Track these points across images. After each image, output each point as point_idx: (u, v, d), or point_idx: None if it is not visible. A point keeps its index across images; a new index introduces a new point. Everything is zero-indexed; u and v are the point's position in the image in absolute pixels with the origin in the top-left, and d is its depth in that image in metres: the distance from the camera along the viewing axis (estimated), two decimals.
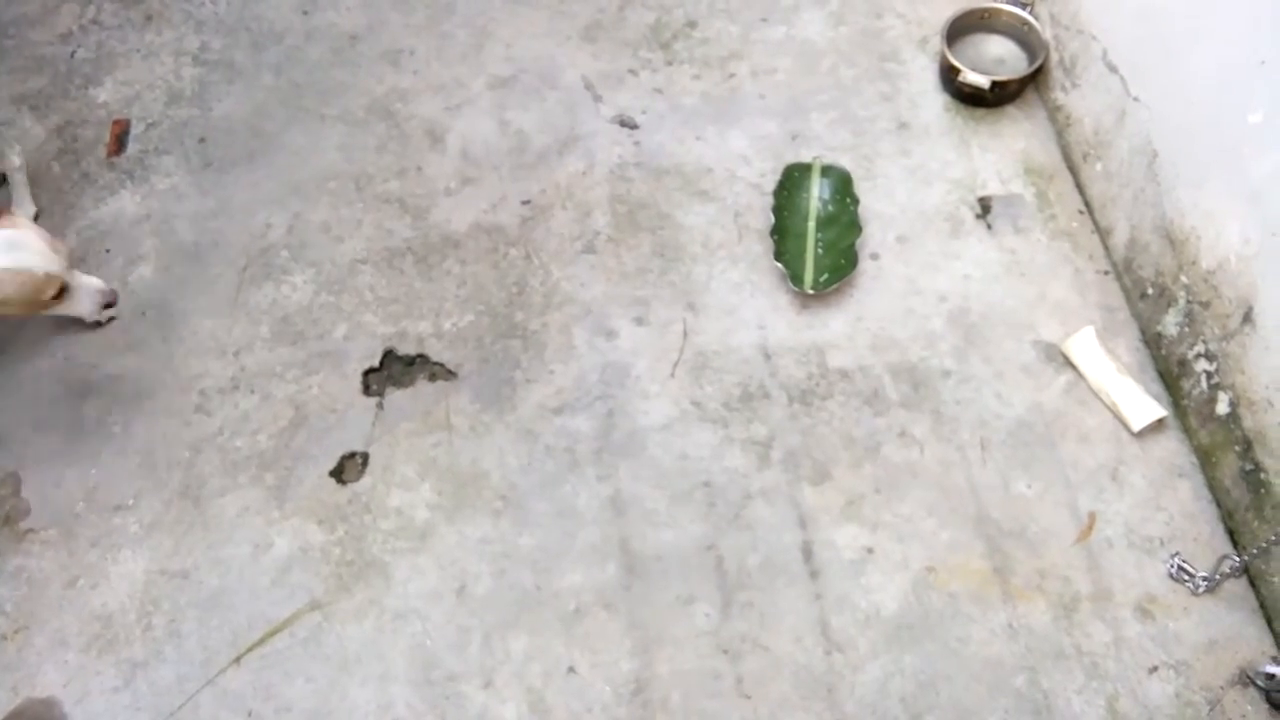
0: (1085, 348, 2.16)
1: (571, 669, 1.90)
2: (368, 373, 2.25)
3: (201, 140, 2.63)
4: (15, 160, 2.44)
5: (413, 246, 2.43)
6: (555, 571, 2.00)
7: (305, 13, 2.87)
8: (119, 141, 2.63)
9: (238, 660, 1.93)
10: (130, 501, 2.11)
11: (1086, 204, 2.41)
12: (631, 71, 2.70)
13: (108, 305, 2.19)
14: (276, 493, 2.11)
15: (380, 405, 2.21)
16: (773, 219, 2.38)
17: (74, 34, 2.86)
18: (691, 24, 2.79)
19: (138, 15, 2.89)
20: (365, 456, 2.15)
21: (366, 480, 2.12)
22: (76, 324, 2.32)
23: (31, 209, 2.47)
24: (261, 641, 1.94)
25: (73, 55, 2.81)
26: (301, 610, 1.98)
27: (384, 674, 1.90)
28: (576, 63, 2.73)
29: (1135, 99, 2.17)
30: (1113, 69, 2.24)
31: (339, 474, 2.13)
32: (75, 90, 2.73)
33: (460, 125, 2.63)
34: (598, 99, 2.66)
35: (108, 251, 2.45)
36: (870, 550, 2.00)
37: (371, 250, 2.43)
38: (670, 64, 2.72)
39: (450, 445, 2.15)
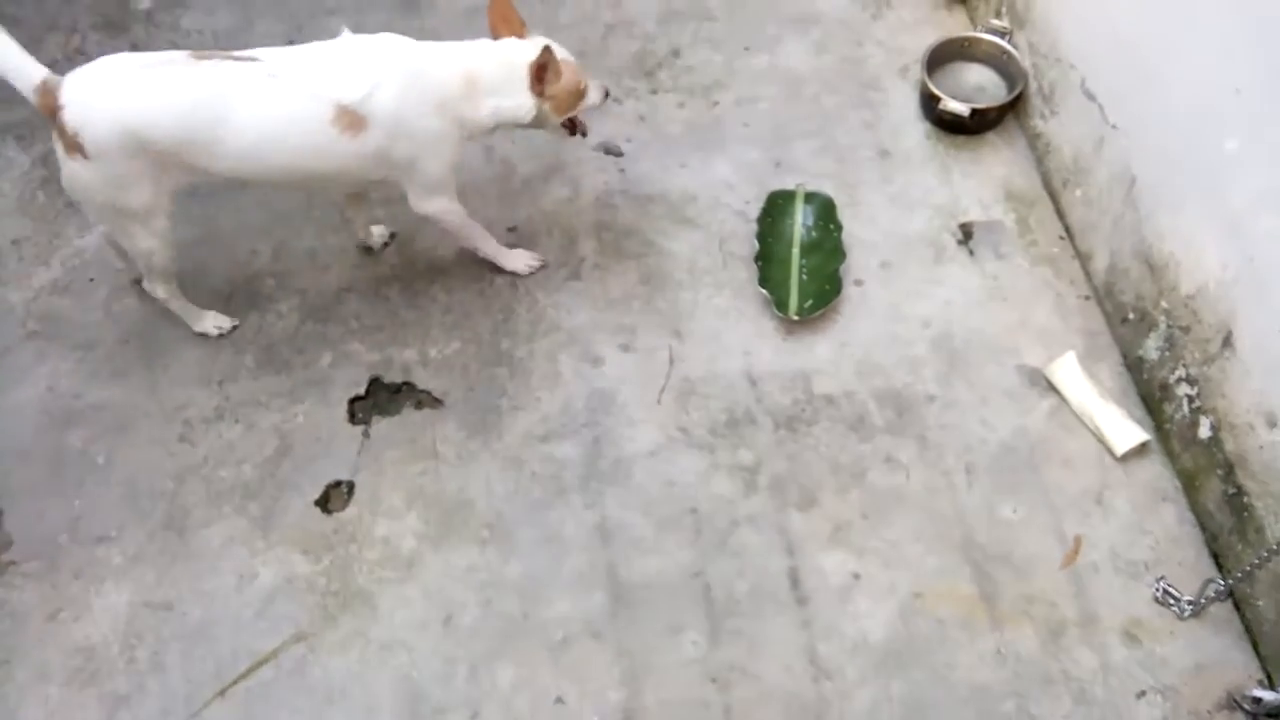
0: (1068, 372, 2.18)
1: (559, 699, 1.88)
2: (354, 401, 2.25)
3: None
4: None
5: (399, 274, 2.43)
6: (542, 600, 1.99)
7: (291, 41, 2.86)
8: None
9: (222, 693, 1.91)
10: (113, 533, 2.09)
11: (1067, 230, 2.43)
12: (616, 100, 2.72)
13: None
14: (261, 523, 2.09)
15: (366, 434, 2.20)
16: (757, 245, 2.40)
17: (59, 63, 2.83)
18: (675, 53, 2.81)
19: (122, 44, 2.89)
20: (351, 485, 2.14)
21: (352, 509, 2.11)
22: (58, 353, 2.31)
23: None
24: (246, 674, 1.92)
25: None
26: (286, 642, 1.96)
27: (370, 707, 1.88)
28: None
29: (1113, 126, 2.20)
30: (1091, 97, 2.28)
31: (324, 503, 2.12)
32: None
33: None
34: None
35: (91, 280, 2.44)
36: (857, 576, 2.00)
37: (357, 278, 2.43)
38: (655, 92, 2.74)
39: (437, 473, 2.15)
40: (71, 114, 1.85)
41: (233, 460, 2.17)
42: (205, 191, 2.56)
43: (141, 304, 2.39)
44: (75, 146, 1.87)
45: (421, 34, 2.83)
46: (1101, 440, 2.12)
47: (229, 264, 2.45)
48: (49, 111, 1.87)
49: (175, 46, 2.87)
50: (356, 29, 2.86)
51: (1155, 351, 2.12)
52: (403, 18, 2.91)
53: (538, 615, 1.97)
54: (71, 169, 1.93)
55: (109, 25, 2.93)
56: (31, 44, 2.84)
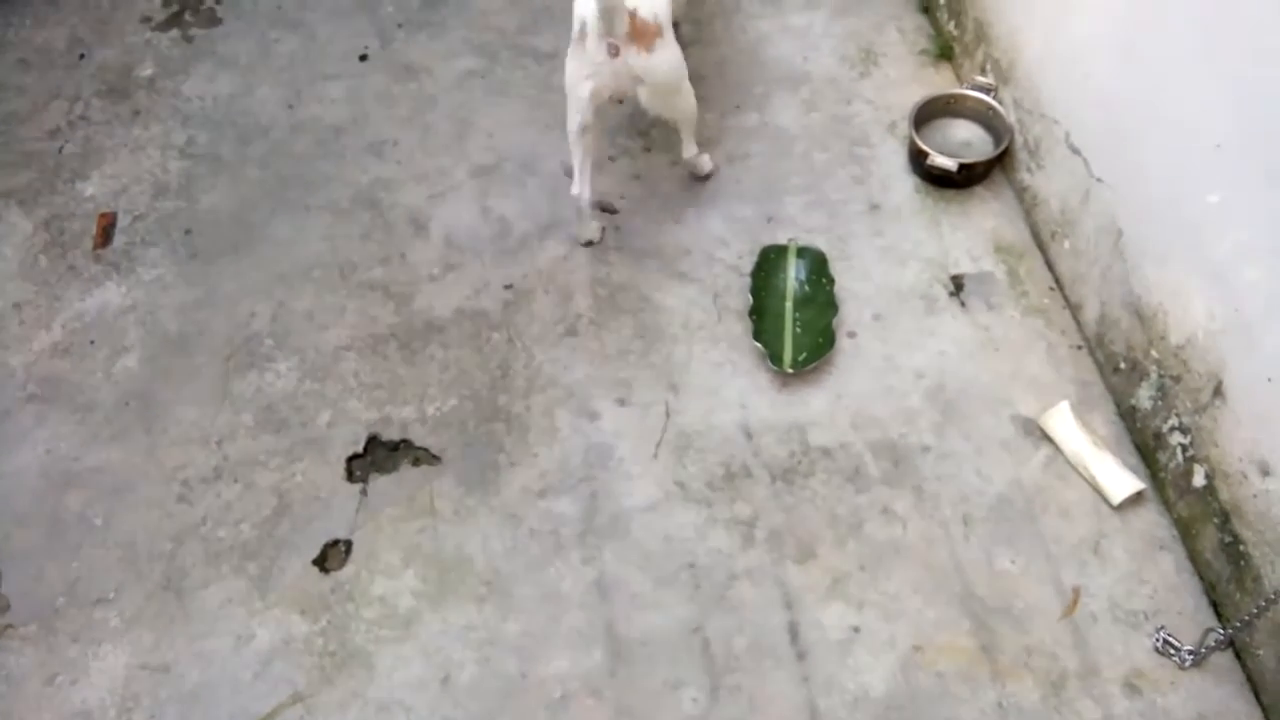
0: (1062, 422, 2.19)
1: None
2: (351, 459, 2.26)
3: (188, 232, 2.67)
4: None
5: (396, 333, 2.46)
6: (540, 658, 1.98)
7: (290, 106, 2.94)
8: (106, 234, 2.67)
9: None
10: (111, 595, 2.09)
11: (1057, 280, 2.46)
12: (610, 158, 2.77)
13: None
14: (259, 583, 2.09)
15: (364, 491, 2.21)
16: (751, 299, 2.43)
17: (62, 130, 2.91)
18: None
19: (125, 110, 2.95)
20: (349, 544, 2.14)
21: (350, 568, 2.11)
22: (57, 416, 2.32)
23: None
24: None
25: (60, 150, 2.86)
26: (284, 703, 1.95)
27: None
28: (557, 151, 2.79)
29: (1098, 180, 2.24)
30: (1075, 151, 2.32)
31: (322, 562, 2.12)
32: (63, 184, 2.78)
33: (443, 213, 2.68)
34: None
35: (92, 343, 2.46)
36: (857, 629, 1.99)
37: (355, 337, 2.45)
38: (648, 150, 2.79)
39: (434, 530, 2.15)
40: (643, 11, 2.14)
41: (231, 520, 2.18)
42: (206, 255, 2.61)
43: (141, 366, 2.41)
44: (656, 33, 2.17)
45: (419, 99, 2.93)
46: (1097, 489, 2.13)
47: (229, 325, 2.48)
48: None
49: (177, 112, 2.93)
50: (355, 94, 2.94)
51: (1148, 401, 2.14)
52: (400, 83, 2.97)
53: (536, 673, 1.96)
54: (661, 55, 2.21)
55: (112, 92, 2.99)
56: (35, 112, 2.95)
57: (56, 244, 2.65)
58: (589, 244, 2.58)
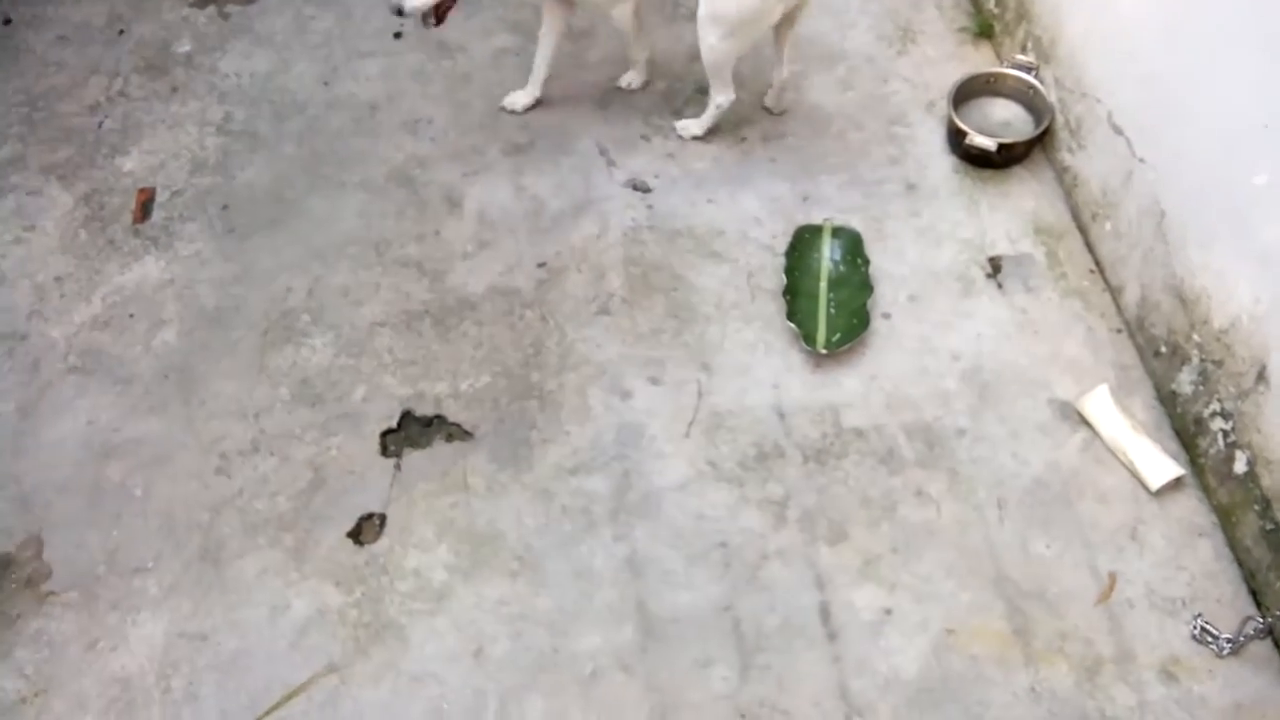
0: (1100, 406, 2.16)
1: None
2: (386, 434, 2.27)
3: (225, 208, 2.69)
4: None
5: (430, 309, 2.47)
6: (572, 633, 1.99)
7: (326, 84, 2.95)
8: (144, 209, 2.69)
9: None
10: (150, 564, 2.12)
11: (1097, 263, 2.43)
12: (644, 137, 2.76)
13: None
14: (295, 554, 2.12)
15: (398, 466, 2.23)
16: (785, 280, 2.41)
17: (101, 105, 2.94)
18: (702, 90, 2.84)
19: (163, 87, 2.97)
20: (383, 518, 2.16)
21: (384, 541, 2.13)
22: (98, 388, 2.36)
23: None
24: (279, 705, 1.94)
25: (100, 126, 2.89)
26: (319, 674, 1.97)
27: None
28: (590, 129, 2.79)
29: (1141, 160, 2.21)
30: (1118, 131, 2.28)
31: (357, 535, 2.14)
32: (102, 160, 2.81)
33: (477, 191, 2.68)
34: (611, 164, 2.71)
35: (131, 316, 2.49)
36: (889, 611, 1.99)
37: (390, 313, 2.47)
38: None
39: (468, 506, 2.16)
40: None
41: (267, 492, 2.20)
42: (242, 231, 2.63)
43: (180, 340, 2.44)
44: None
45: (453, 77, 2.93)
46: (1135, 475, 2.10)
47: (265, 300, 2.50)
48: None
49: (214, 89, 2.95)
50: (390, 71, 2.95)
51: (1189, 385, 2.11)
52: (434, 60, 2.97)
53: (567, 648, 1.97)
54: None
55: (150, 68, 3.01)
56: (75, 87, 2.97)
57: (96, 218, 2.68)
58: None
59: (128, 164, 2.79)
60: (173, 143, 2.83)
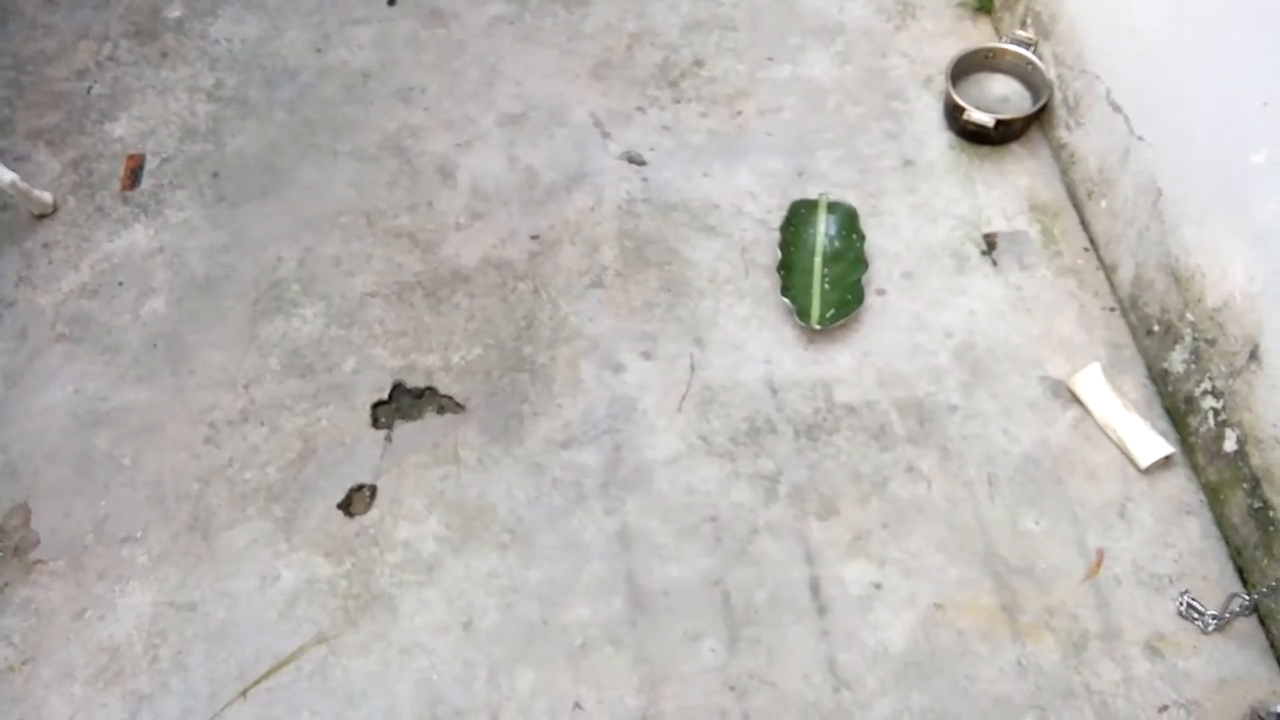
0: (1092, 384, 2.17)
1: (578, 705, 1.89)
2: (376, 405, 2.27)
3: (215, 175, 2.66)
4: None
5: (422, 280, 2.45)
6: (562, 605, 1.99)
7: (318, 50, 2.91)
8: (133, 176, 2.67)
9: (244, 694, 1.92)
10: (139, 533, 2.11)
11: (1091, 241, 2.42)
12: (639, 109, 2.74)
13: None
14: (284, 525, 2.11)
15: (389, 438, 2.22)
16: (779, 255, 2.40)
17: (90, 70, 2.91)
18: (699, 63, 2.83)
19: (153, 52, 2.93)
20: (373, 489, 2.15)
21: (374, 513, 2.12)
22: (86, 356, 2.34)
23: None
24: (268, 675, 1.94)
25: (89, 91, 2.85)
26: (308, 644, 1.97)
27: (389, 709, 1.89)
28: (585, 101, 2.76)
29: (1139, 138, 2.20)
30: (1116, 108, 2.27)
31: (347, 506, 2.14)
32: (91, 125, 2.77)
33: (470, 161, 2.66)
34: (606, 136, 2.69)
35: (120, 284, 2.47)
36: (878, 586, 1.99)
37: (381, 284, 2.45)
38: (678, 102, 2.75)
39: (458, 478, 2.16)
40: None
41: (257, 463, 2.19)
42: (233, 199, 2.61)
43: (169, 308, 2.42)
44: None
45: (447, 45, 2.89)
46: (1125, 453, 2.11)
47: (256, 269, 2.48)
48: None
49: (205, 55, 2.91)
50: (383, 38, 2.91)
51: (1180, 364, 2.11)
52: (428, 28, 2.93)
53: (557, 620, 1.98)
54: None
55: (140, 33, 2.97)
56: (63, 51, 2.93)
57: (85, 185, 2.66)
58: None
59: (117, 130, 2.76)
60: (163, 109, 2.80)
